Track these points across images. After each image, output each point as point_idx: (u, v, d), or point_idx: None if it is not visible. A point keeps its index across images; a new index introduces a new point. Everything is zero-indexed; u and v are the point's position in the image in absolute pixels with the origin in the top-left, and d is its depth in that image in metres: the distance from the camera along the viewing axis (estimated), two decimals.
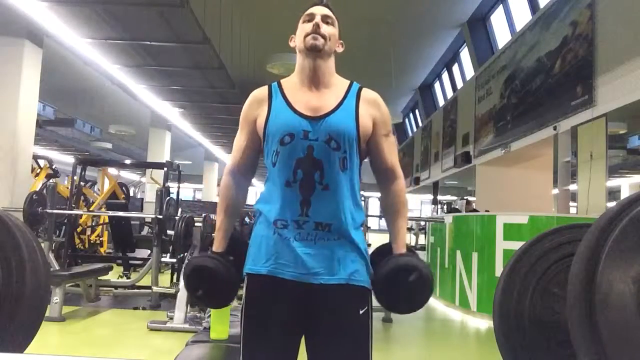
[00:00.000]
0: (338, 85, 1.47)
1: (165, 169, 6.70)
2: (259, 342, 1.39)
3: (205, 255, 1.47)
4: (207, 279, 1.43)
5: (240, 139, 1.50)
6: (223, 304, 1.57)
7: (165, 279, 6.44)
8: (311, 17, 1.45)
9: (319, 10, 1.46)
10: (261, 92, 1.48)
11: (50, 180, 7.10)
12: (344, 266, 1.37)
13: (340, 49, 1.50)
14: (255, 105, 1.47)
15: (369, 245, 1.94)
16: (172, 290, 5.07)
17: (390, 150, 1.49)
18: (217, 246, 1.48)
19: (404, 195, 1.51)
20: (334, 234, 1.37)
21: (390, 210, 1.51)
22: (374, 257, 1.48)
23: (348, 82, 1.49)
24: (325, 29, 1.44)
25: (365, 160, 1.51)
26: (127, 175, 20.44)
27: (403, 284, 1.37)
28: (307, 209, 1.36)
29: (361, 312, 1.39)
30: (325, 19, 1.45)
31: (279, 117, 1.41)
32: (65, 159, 14.78)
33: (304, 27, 1.45)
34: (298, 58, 1.47)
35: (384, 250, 1.49)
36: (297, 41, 1.47)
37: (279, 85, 1.47)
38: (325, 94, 1.44)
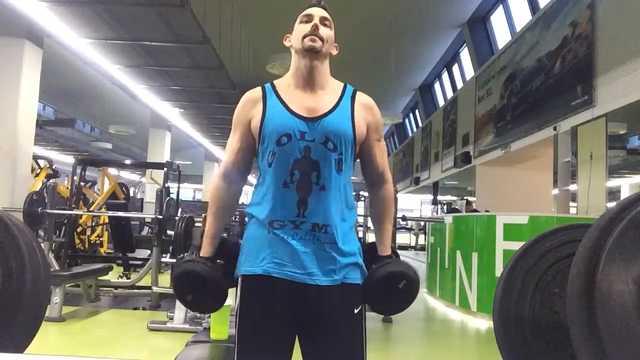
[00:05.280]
0: (332, 86, 1.47)
1: (165, 169, 6.70)
2: (253, 343, 1.39)
3: (193, 260, 1.45)
4: (196, 285, 1.41)
5: (233, 141, 1.48)
6: (211, 309, 1.56)
7: (165, 279, 6.43)
8: (309, 18, 1.44)
9: (317, 12, 1.45)
10: (255, 93, 1.47)
11: (50, 181, 7.11)
12: (339, 267, 1.38)
13: (334, 52, 1.50)
14: (249, 105, 1.45)
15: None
16: (172, 291, 5.06)
17: (382, 155, 1.51)
18: (205, 251, 1.46)
19: (391, 200, 1.55)
20: (329, 236, 1.37)
21: (378, 213, 1.54)
22: (363, 254, 1.50)
23: (342, 84, 1.49)
24: (323, 31, 1.43)
25: (357, 161, 1.53)
26: (127, 175, 20.44)
27: (393, 290, 1.42)
28: (304, 209, 1.36)
29: (356, 311, 1.41)
30: (323, 21, 1.45)
31: (276, 118, 1.40)
32: (65, 159, 14.78)
33: (301, 28, 1.44)
34: (294, 58, 1.46)
35: (371, 249, 1.52)
36: (293, 41, 1.46)
37: (273, 86, 1.47)
38: (321, 95, 1.43)
